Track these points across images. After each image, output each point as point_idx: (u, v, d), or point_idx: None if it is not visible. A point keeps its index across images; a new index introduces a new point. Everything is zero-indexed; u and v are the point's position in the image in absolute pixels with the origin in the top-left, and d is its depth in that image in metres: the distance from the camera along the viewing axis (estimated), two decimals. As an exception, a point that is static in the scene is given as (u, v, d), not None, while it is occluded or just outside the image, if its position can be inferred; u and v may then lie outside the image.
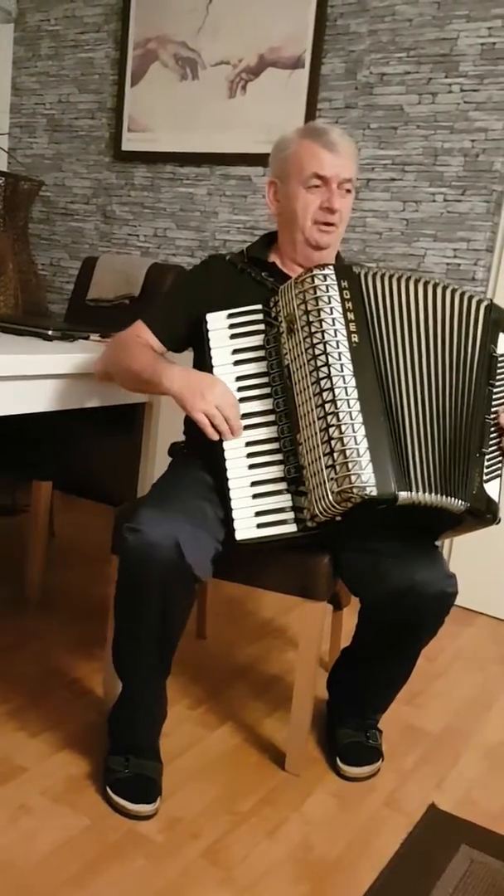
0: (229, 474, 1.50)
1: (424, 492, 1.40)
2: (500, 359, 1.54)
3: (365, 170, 2.73)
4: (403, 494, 1.38)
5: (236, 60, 2.97)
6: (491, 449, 1.50)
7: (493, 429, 1.51)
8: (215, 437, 1.50)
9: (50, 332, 1.88)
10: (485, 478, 1.46)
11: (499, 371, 1.54)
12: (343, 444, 1.38)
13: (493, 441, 1.51)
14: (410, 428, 1.44)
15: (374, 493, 1.35)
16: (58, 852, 1.40)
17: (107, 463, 2.29)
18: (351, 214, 2.72)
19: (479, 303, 1.53)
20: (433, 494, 1.41)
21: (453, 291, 1.52)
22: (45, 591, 2.39)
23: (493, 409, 1.51)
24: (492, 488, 1.48)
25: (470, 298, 1.53)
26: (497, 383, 1.53)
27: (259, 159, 2.93)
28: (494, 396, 1.52)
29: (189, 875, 1.38)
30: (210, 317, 1.59)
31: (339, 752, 1.72)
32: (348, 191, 1.65)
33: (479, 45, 2.49)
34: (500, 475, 1.52)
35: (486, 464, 1.48)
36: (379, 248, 2.73)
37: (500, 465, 1.52)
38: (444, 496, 1.41)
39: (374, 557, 1.53)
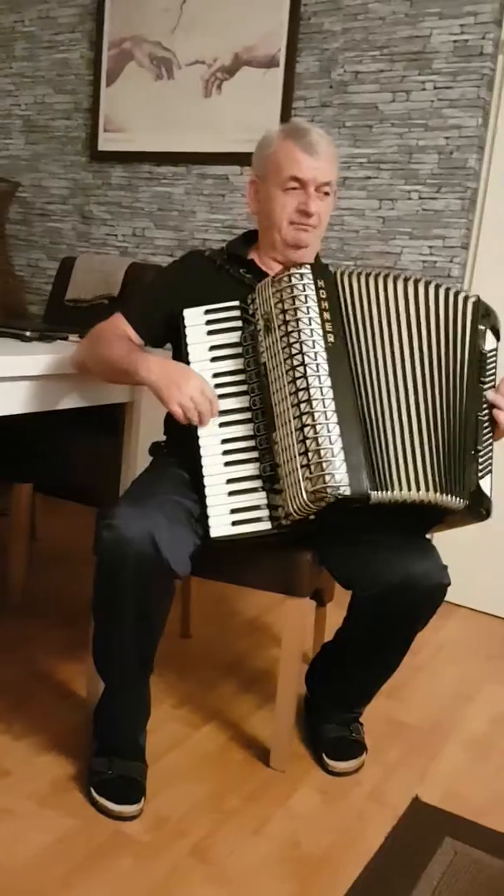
0: (205, 471, 1.51)
1: (416, 490, 1.42)
2: (488, 355, 1.55)
3: (341, 168, 2.74)
4: (376, 494, 1.40)
5: (211, 60, 2.97)
6: (484, 446, 1.52)
7: (485, 426, 1.52)
8: (183, 421, 1.50)
9: (28, 333, 1.88)
10: (479, 474, 1.48)
11: (487, 367, 1.55)
12: (318, 444, 1.39)
13: (486, 438, 1.52)
14: (392, 427, 1.45)
15: (348, 492, 1.37)
16: (44, 855, 1.40)
17: (88, 464, 2.28)
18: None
19: (465, 299, 1.54)
20: (431, 492, 1.42)
21: (437, 287, 1.53)
22: (28, 594, 2.38)
23: (484, 407, 1.52)
24: (485, 484, 1.50)
25: (456, 294, 1.53)
26: (486, 380, 1.54)
27: (236, 158, 2.93)
28: (484, 391, 1.53)
29: (176, 874, 1.39)
30: (187, 312, 1.59)
31: (324, 747, 1.74)
32: (326, 193, 1.65)
33: (451, 42, 2.50)
34: (491, 471, 1.53)
35: (479, 461, 1.49)
36: (356, 247, 2.74)
37: (490, 460, 1.54)
38: (442, 494, 1.43)
39: (367, 551, 1.54)
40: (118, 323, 1.70)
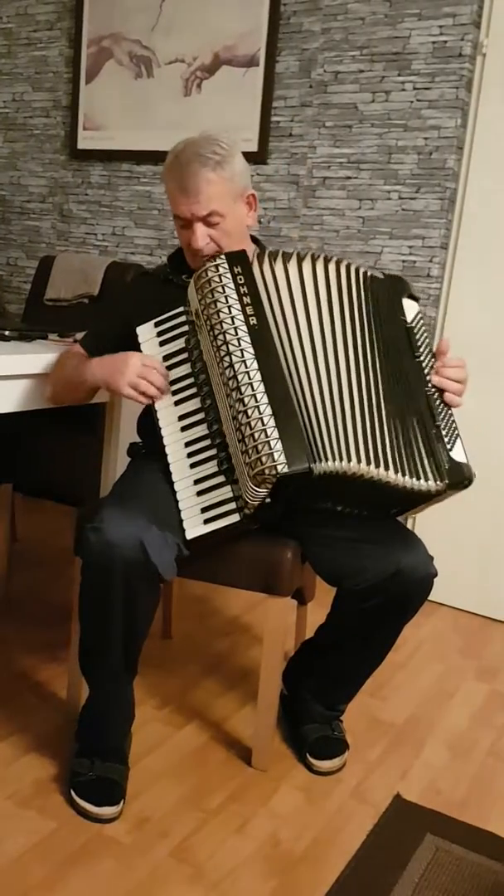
0: (174, 476, 1.54)
1: (326, 461, 1.42)
2: (414, 326, 1.56)
3: (321, 168, 2.75)
4: (318, 465, 1.41)
5: (191, 58, 2.96)
6: (442, 416, 1.51)
7: (435, 396, 1.51)
8: (147, 402, 1.56)
9: (7, 333, 1.87)
10: (448, 446, 1.48)
11: (417, 337, 1.55)
12: (251, 428, 1.41)
13: (441, 407, 1.52)
14: (328, 405, 1.45)
15: (286, 470, 1.38)
16: (25, 857, 1.39)
17: (68, 464, 2.27)
18: (309, 212, 2.76)
19: (372, 277, 1.56)
20: (408, 478, 1.43)
21: (347, 267, 1.56)
22: (9, 594, 2.37)
23: (428, 381, 1.52)
24: (457, 452, 1.50)
25: (357, 271, 1.56)
26: (420, 350, 1.54)
27: (216, 157, 2.92)
28: (423, 364, 1.53)
29: (158, 874, 1.39)
30: (139, 330, 1.64)
31: (307, 747, 1.74)
32: (214, 222, 1.59)
33: (430, 43, 2.51)
34: (458, 434, 1.52)
35: (443, 433, 1.49)
36: (336, 246, 2.75)
37: (454, 427, 1.52)
38: (417, 479, 1.44)
39: (354, 546, 1.54)
40: (74, 349, 1.73)
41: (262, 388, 1.42)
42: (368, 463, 1.43)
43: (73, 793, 1.53)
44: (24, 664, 2.03)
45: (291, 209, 2.82)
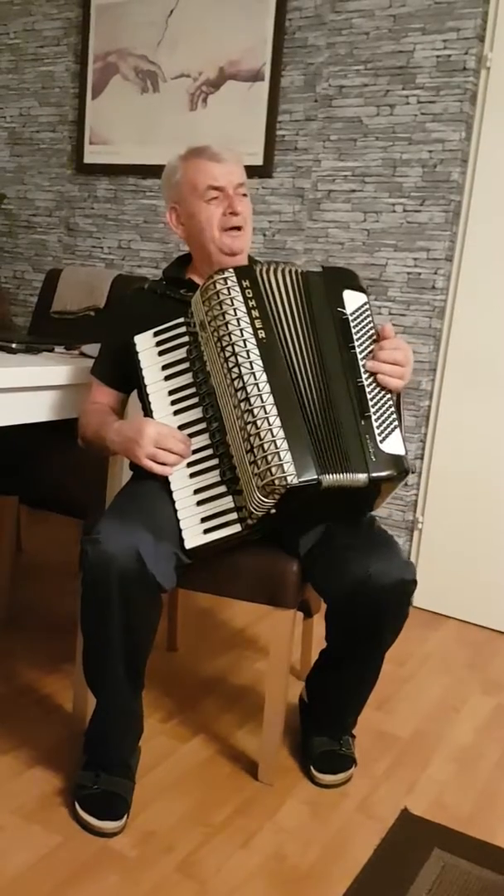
0: (173, 486, 1.54)
1: (334, 473, 1.43)
2: (353, 317, 1.55)
3: (326, 181, 2.76)
4: (328, 478, 1.42)
5: (196, 73, 2.98)
6: (377, 408, 1.49)
7: (370, 387, 1.50)
8: (168, 472, 1.53)
9: (14, 345, 1.87)
10: (379, 438, 1.46)
11: (356, 328, 1.54)
12: (261, 439, 1.42)
13: (377, 398, 1.50)
14: (315, 412, 1.47)
15: (296, 481, 1.39)
16: (30, 871, 1.38)
17: (73, 476, 2.27)
18: (314, 225, 2.77)
19: (309, 274, 1.58)
20: (338, 474, 1.44)
21: (295, 271, 1.58)
22: (14, 607, 2.37)
23: (363, 370, 1.51)
24: (391, 444, 1.47)
25: (302, 273, 1.57)
26: (360, 340, 1.53)
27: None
28: (360, 355, 1.52)
29: (163, 889, 1.38)
30: (138, 339, 1.64)
31: (312, 760, 1.73)
32: (244, 195, 1.70)
33: (434, 57, 2.53)
34: (397, 426, 1.50)
35: (375, 425, 1.47)
36: (341, 259, 2.75)
37: (392, 417, 1.50)
38: (347, 474, 1.44)
39: (332, 553, 1.55)
40: (93, 391, 1.77)
41: (271, 399, 1.44)
42: (343, 471, 1.44)
43: (77, 806, 1.52)
44: (29, 676, 2.02)
45: (296, 222, 2.84)
